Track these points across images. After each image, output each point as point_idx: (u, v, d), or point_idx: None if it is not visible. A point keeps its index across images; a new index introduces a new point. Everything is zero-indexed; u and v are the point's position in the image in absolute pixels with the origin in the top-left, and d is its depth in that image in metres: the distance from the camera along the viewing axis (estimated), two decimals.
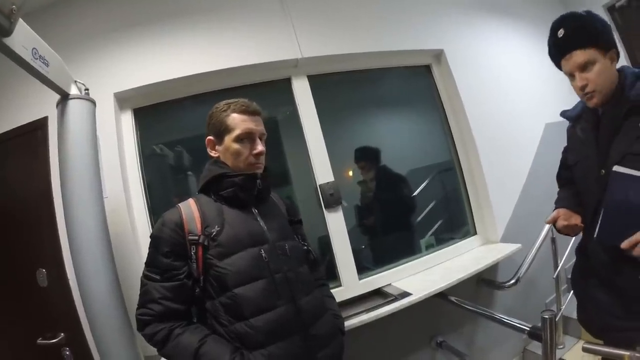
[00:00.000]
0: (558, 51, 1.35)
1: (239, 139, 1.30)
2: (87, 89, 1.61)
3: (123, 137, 2.05)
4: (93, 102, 1.61)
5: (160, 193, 2.15)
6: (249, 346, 1.14)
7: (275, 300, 1.20)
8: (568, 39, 1.30)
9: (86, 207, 1.47)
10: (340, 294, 2.08)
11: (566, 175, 1.63)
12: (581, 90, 1.30)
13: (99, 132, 1.65)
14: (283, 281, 1.24)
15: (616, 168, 1.21)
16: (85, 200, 1.47)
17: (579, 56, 1.28)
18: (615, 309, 1.33)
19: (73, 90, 1.54)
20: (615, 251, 1.24)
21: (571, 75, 1.33)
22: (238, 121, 1.30)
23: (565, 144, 1.62)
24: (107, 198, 1.60)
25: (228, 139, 1.31)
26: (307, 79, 2.30)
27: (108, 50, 2.04)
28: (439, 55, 2.68)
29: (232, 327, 1.16)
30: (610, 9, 3.48)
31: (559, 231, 1.50)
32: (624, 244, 1.18)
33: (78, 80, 1.58)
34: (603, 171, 1.29)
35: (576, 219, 1.46)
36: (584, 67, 1.28)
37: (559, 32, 1.31)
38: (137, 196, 2.01)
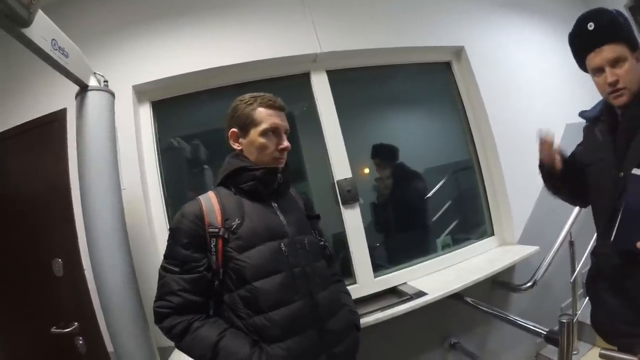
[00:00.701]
0: (586, 44, 1.31)
1: (265, 133, 1.29)
2: (106, 81, 1.62)
3: (141, 129, 2.06)
4: (112, 94, 1.62)
5: (177, 186, 2.16)
6: (266, 339, 1.14)
7: (293, 295, 1.20)
8: (599, 32, 1.26)
9: (104, 199, 1.48)
10: (355, 291, 2.06)
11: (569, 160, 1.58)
12: (611, 86, 1.26)
13: (117, 124, 1.66)
14: (301, 275, 1.23)
15: (635, 171, 1.19)
16: (103, 192, 1.48)
17: (611, 51, 1.24)
18: (625, 314, 1.31)
19: (92, 82, 1.55)
20: (630, 256, 1.22)
21: (599, 71, 1.29)
22: (265, 115, 1.30)
23: None
24: (124, 190, 1.60)
25: (254, 133, 1.30)
26: (325, 74, 2.29)
27: (127, 43, 2.06)
28: (459, 52, 2.64)
29: (250, 320, 1.16)
30: (632, 9, 3.40)
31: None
32: None
33: (97, 72, 1.58)
34: (621, 174, 1.26)
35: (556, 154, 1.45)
36: (615, 62, 1.24)
37: (589, 25, 1.27)
38: (154, 188, 2.03)
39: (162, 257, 1.80)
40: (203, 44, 2.10)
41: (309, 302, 1.22)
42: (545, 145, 1.46)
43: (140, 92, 2.09)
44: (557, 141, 1.45)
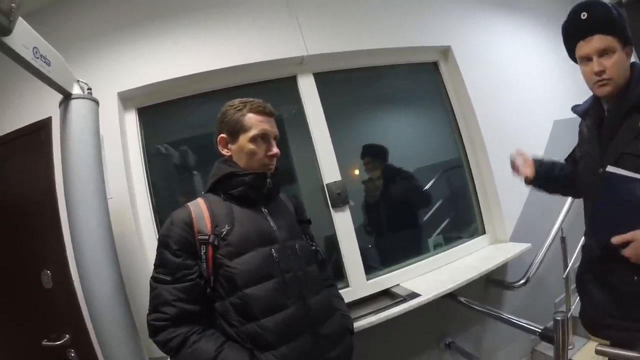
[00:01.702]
0: (577, 33, 1.32)
1: (254, 139, 1.29)
2: (89, 89, 1.59)
3: (127, 136, 2.03)
4: (96, 102, 1.59)
5: (165, 193, 2.14)
6: (260, 347, 1.13)
7: (286, 300, 1.19)
8: (592, 22, 1.28)
9: (89, 208, 1.45)
10: (348, 294, 2.05)
11: (569, 160, 1.62)
12: (596, 75, 1.27)
13: (103, 132, 1.64)
14: (293, 281, 1.23)
15: (609, 168, 1.22)
16: (89, 201, 1.45)
17: (601, 41, 1.26)
18: (609, 307, 1.32)
19: (75, 90, 1.52)
20: (609, 249, 1.25)
21: (587, 60, 1.30)
22: (254, 121, 1.30)
23: (573, 141, 1.61)
24: (111, 198, 1.58)
25: (243, 139, 1.29)
26: (312, 76, 2.28)
27: (111, 50, 2.02)
28: (446, 51, 2.64)
29: (242, 327, 1.14)
30: (618, 4, 3.43)
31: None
32: (615, 239, 1.20)
33: (81, 80, 1.56)
34: (601, 170, 1.28)
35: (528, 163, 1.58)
36: (603, 52, 1.26)
37: (582, 15, 1.29)
38: (141, 196, 2.00)
39: (151, 266, 1.80)
40: (188, 49, 2.07)
41: (302, 307, 1.21)
42: (519, 160, 1.58)
43: (126, 99, 2.06)
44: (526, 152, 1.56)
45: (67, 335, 1.87)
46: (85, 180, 1.46)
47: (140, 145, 2.07)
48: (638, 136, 1.20)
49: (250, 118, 1.29)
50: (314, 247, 1.46)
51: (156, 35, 2.07)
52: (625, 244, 1.18)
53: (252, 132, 1.28)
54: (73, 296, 1.81)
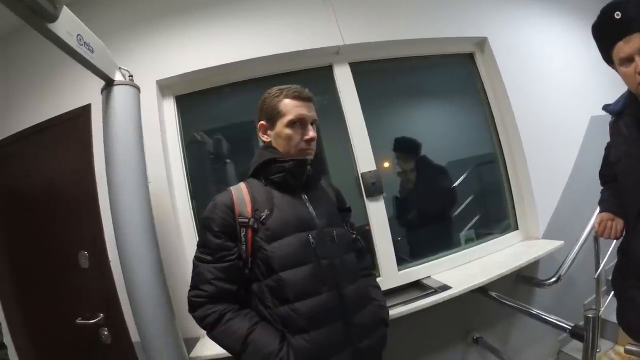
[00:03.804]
0: (613, 34, 1.28)
1: (291, 124, 1.30)
2: (131, 76, 1.64)
3: (165, 123, 2.09)
4: (138, 89, 1.64)
5: (200, 179, 2.18)
6: (292, 330, 1.15)
7: (320, 286, 1.20)
8: (628, 21, 1.23)
9: (132, 191, 1.51)
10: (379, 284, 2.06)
11: (609, 172, 1.59)
12: None
13: (143, 119, 1.67)
14: (329, 268, 1.23)
15: None
16: (131, 185, 1.51)
17: None
18: None
19: (118, 77, 1.57)
20: None
21: (628, 61, 1.26)
22: (291, 107, 1.31)
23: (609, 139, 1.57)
24: (150, 183, 1.62)
25: (280, 124, 1.31)
26: (349, 66, 2.28)
27: (150, 38, 2.08)
28: (482, 43, 2.60)
29: (276, 310, 1.17)
30: None
31: (601, 235, 1.51)
32: None
33: (122, 67, 1.60)
34: None
35: (619, 223, 1.47)
36: None
37: (616, 14, 1.25)
38: (179, 182, 2.05)
39: (187, 249, 1.86)
40: (225, 38, 2.11)
41: (336, 295, 1.22)
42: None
43: (164, 87, 2.11)
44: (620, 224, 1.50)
45: (101, 315, 1.94)
46: (127, 164, 1.51)
47: (179, 133, 2.12)
48: None
49: (287, 104, 1.31)
50: (354, 236, 1.47)
51: (195, 24, 2.12)
52: None
53: (289, 117, 1.30)
54: (109, 277, 1.88)
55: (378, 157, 2.28)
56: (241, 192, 1.28)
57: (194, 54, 2.07)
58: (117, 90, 1.55)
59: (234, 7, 2.15)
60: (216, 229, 1.22)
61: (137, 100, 1.62)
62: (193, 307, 1.21)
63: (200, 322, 1.20)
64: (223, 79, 2.17)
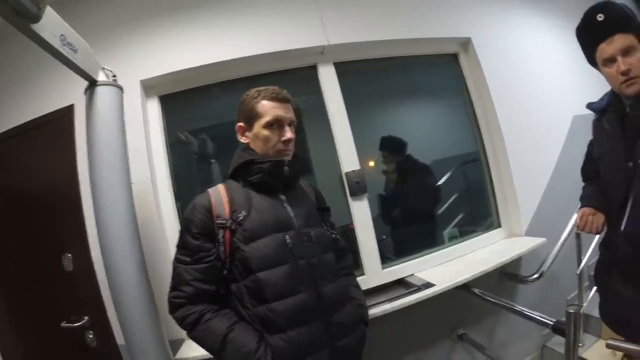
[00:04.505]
0: (596, 35, 1.32)
1: (268, 125, 1.31)
2: (114, 76, 1.63)
3: (149, 123, 2.07)
4: (121, 89, 1.63)
5: (185, 180, 2.17)
6: (270, 330, 1.17)
7: (298, 286, 1.22)
8: (610, 23, 1.27)
9: (115, 193, 1.49)
10: (363, 282, 2.05)
11: (591, 169, 1.63)
12: (624, 74, 1.27)
13: (126, 119, 1.66)
14: (306, 267, 1.25)
15: None
16: (114, 186, 1.50)
17: (623, 40, 1.26)
18: (638, 305, 1.33)
19: (101, 77, 1.56)
20: None
21: (610, 61, 1.30)
22: (268, 108, 1.32)
23: (592, 137, 1.61)
24: (133, 184, 1.61)
25: (257, 125, 1.32)
26: (333, 66, 2.28)
27: (134, 38, 2.06)
28: (466, 43, 2.62)
29: (254, 310, 1.19)
30: (637, 1, 3.41)
31: (582, 230, 1.54)
32: None
33: (106, 67, 1.59)
34: (630, 164, 1.29)
35: (599, 217, 1.50)
36: (627, 51, 1.26)
37: (599, 16, 1.29)
38: (163, 182, 2.04)
39: (172, 250, 1.84)
40: (209, 37, 2.10)
41: (314, 294, 1.24)
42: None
43: (148, 86, 2.10)
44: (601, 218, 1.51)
45: (86, 317, 1.92)
46: (110, 165, 1.50)
47: (163, 133, 2.11)
48: None
49: (264, 105, 1.32)
50: (333, 235, 1.49)
51: (179, 23, 2.10)
52: None
53: (266, 119, 1.31)
54: (93, 279, 1.87)
55: (363, 156, 2.29)
56: (219, 194, 1.30)
57: (178, 53, 2.06)
58: (99, 91, 1.53)
59: (218, 6, 2.14)
60: (194, 230, 1.24)
61: (119, 101, 1.60)
62: (173, 308, 1.23)
63: (180, 322, 1.22)
64: (207, 79, 2.16)
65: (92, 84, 1.53)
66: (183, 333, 1.83)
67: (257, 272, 1.19)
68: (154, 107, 2.11)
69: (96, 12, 2.07)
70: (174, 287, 1.23)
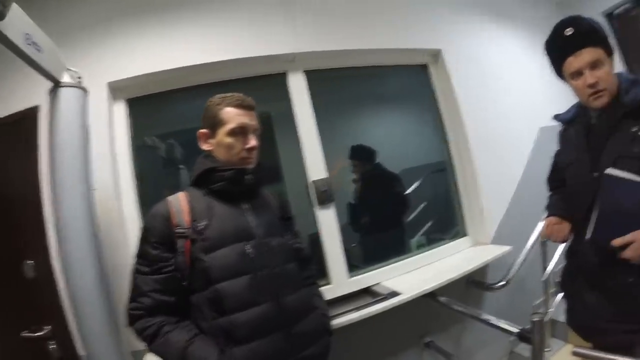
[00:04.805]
0: (564, 49, 1.34)
1: (232, 133, 1.29)
2: (79, 77, 1.58)
3: (115, 127, 2.01)
4: (85, 91, 1.58)
5: (151, 186, 2.11)
6: (230, 341, 1.14)
7: (259, 297, 1.20)
8: (578, 36, 1.30)
9: (74, 198, 1.43)
10: (329, 292, 2.07)
11: (557, 178, 1.66)
12: (591, 87, 1.29)
13: (91, 122, 1.62)
14: (267, 278, 1.23)
15: (609, 171, 1.24)
16: (73, 191, 1.44)
17: (591, 53, 1.28)
18: (604, 311, 1.35)
19: (65, 78, 1.51)
20: (607, 253, 1.27)
21: (578, 74, 1.32)
22: (232, 115, 1.30)
23: (558, 148, 1.64)
24: (96, 190, 1.57)
25: (221, 133, 1.30)
26: (303, 73, 2.28)
27: (103, 39, 2.00)
28: (436, 55, 2.67)
29: (215, 322, 1.16)
30: (609, 16, 3.52)
31: (548, 238, 1.55)
32: (616, 241, 1.21)
33: (71, 68, 1.55)
34: (595, 174, 1.31)
35: (565, 226, 1.52)
36: (594, 65, 1.28)
37: (567, 31, 1.31)
38: (127, 188, 1.98)
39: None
40: (180, 41, 2.07)
41: (275, 305, 1.22)
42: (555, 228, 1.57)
43: (116, 89, 2.04)
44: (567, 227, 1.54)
45: (48, 327, 1.85)
46: (70, 170, 1.45)
47: (128, 137, 2.05)
48: (633, 139, 1.23)
49: (228, 112, 1.31)
50: (297, 245, 1.47)
51: (149, 26, 2.06)
52: (625, 245, 1.20)
53: (230, 126, 1.29)
54: (55, 287, 1.79)
55: (332, 165, 2.30)
56: (179, 202, 1.27)
57: (147, 56, 2.02)
58: (63, 92, 1.48)
59: (188, 11, 2.11)
60: (153, 239, 1.20)
61: (83, 103, 1.55)
62: (131, 320, 1.18)
63: (139, 334, 1.17)
64: (176, 83, 2.13)
65: (56, 85, 1.48)
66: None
67: (217, 283, 1.16)
68: (121, 111, 2.06)
69: (67, 11, 2.00)
70: (132, 298, 1.19)
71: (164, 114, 2.23)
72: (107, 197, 1.85)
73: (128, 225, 1.94)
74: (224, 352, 1.13)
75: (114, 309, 1.50)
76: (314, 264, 1.61)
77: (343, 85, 2.59)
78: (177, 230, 1.20)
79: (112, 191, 1.88)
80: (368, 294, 2.22)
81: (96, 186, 1.65)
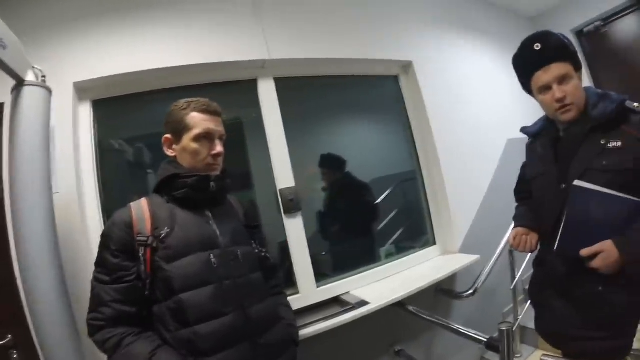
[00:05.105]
0: (533, 64, 1.36)
1: (197, 139, 1.27)
2: (44, 76, 1.52)
3: (80, 129, 1.94)
4: (49, 90, 1.51)
5: (117, 190, 2.05)
6: (194, 353, 1.11)
7: (223, 307, 1.17)
8: (547, 51, 1.32)
9: (33, 201, 1.37)
10: (297, 301, 2.04)
11: (524, 189, 1.69)
12: (559, 102, 1.31)
13: (55, 123, 1.57)
14: (232, 288, 1.21)
15: (577, 182, 1.27)
16: (32, 194, 1.37)
17: (559, 68, 1.30)
18: (573, 320, 1.38)
19: (29, 77, 1.45)
20: (575, 263, 1.30)
21: (546, 89, 1.34)
22: (198, 120, 1.28)
23: (524, 159, 1.67)
24: (57, 193, 1.51)
25: (187, 138, 1.28)
26: (273, 81, 2.27)
27: (71, 38, 1.94)
28: (407, 66, 2.72)
29: (177, 333, 1.13)
30: (579, 34, 3.68)
31: (516, 249, 1.58)
32: (584, 251, 1.24)
33: (36, 67, 1.50)
34: (563, 185, 1.34)
35: (533, 237, 1.55)
36: (562, 79, 1.31)
37: (536, 46, 1.33)
38: (90, 192, 1.90)
39: None
40: (150, 43, 2.02)
41: (240, 316, 1.20)
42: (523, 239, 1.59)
43: (82, 90, 1.97)
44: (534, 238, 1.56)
45: (9, 336, 1.76)
46: (30, 172, 1.38)
47: (93, 139, 1.98)
48: (601, 153, 1.26)
49: (194, 117, 1.28)
50: (263, 254, 1.45)
51: (118, 27, 2.01)
52: (593, 256, 1.23)
53: (195, 131, 1.27)
54: (16, 294, 1.70)
55: (302, 173, 2.29)
56: (141, 209, 1.24)
57: (116, 57, 1.96)
58: (26, 91, 1.42)
59: (159, 12, 2.08)
60: (113, 247, 1.17)
61: (46, 103, 1.49)
62: (92, 331, 1.15)
63: (100, 346, 1.14)
64: (145, 85, 2.07)
65: (20, 83, 1.42)
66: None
67: (180, 293, 1.13)
68: (87, 112, 1.98)
69: (35, 9, 1.91)
70: (93, 308, 1.16)
71: (132, 117, 2.16)
72: (70, 201, 1.77)
73: (91, 230, 1.86)
74: None
75: (73, 318, 1.41)
76: (280, 273, 1.61)
77: (314, 94, 2.59)
78: (138, 238, 1.18)
79: (75, 195, 1.80)
80: (337, 303, 2.20)
81: (58, 190, 1.60)
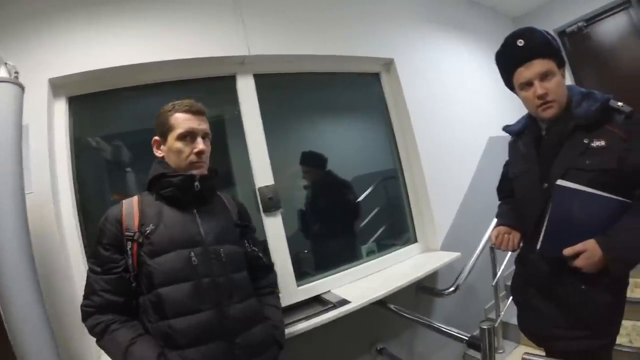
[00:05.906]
0: (515, 60, 1.35)
1: (180, 137, 1.33)
2: (17, 72, 1.48)
3: (55, 126, 1.88)
4: (21, 87, 1.47)
5: (93, 189, 2.01)
6: (169, 345, 1.18)
7: (199, 305, 1.22)
8: (529, 47, 1.32)
9: (3, 202, 1.32)
10: None
11: (506, 187, 1.70)
12: (540, 98, 1.31)
13: (29, 121, 1.55)
14: (211, 286, 1.25)
15: (560, 182, 1.26)
16: (3, 195, 1.32)
17: (541, 65, 1.30)
18: (556, 319, 1.38)
19: (2, 73, 1.42)
20: (557, 262, 1.31)
21: (528, 85, 1.34)
22: (181, 120, 1.34)
23: (506, 156, 1.68)
24: (31, 193, 1.48)
25: (171, 138, 1.34)
26: (253, 77, 2.24)
27: (45, 33, 1.87)
28: (389, 64, 2.72)
29: (156, 324, 1.20)
30: (561, 34, 3.73)
31: (498, 248, 1.58)
32: (567, 250, 1.24)
33: (8, 62, 1.45)
34: (546, 185, 1.34)
35: (515, 235, 1.55)
36: (544, 76, 1.30)
37: (519, 42, 1.32)
38: (65, 192, 1.85)
39: (73, 268, 1.72)
40: (127, 38, 1.97)
41: (217, 314, 1.23)
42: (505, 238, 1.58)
43: (57, 86, 1.91)
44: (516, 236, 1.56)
45: None
46: (1, 171, 1.35)
47: (68, 137, 1.92)
48: (584, 152, 1.26)
49: (177, 117, 1.34)
50: (255, 253, 1.50)
51: (95, 21, 1.95)
52: (576, 255, 1.23)
53: (178, 131, 1.32)
54: None
55: (282, 171, 2.27)
56: (131, 206, 1.31)
57: (92, 52, 1.91)
58: None
59: (137, 6, 2.03)
60: (104, 241, 1.26)
61: (18, 100, 1.44)
62: (84, 316, 1.24)
63: (90, 331, 1.23)
64: (123, 81, 2.03)
65: None
66: (90, 357, 1.69)
67: (159, 288, 1.20)
68: (62, 109, 1.92)
69: (7, 2, 1.87)
70: (85, 296, 1.24)
71: (109, 114, 2.11)
72: (44, 201, 1.72)
73: (65, 229, 1.81)
74: (164, 355, 1.16)
75: (46, 320, 1.37)
76: (273, 273, 1.64)
77: (294, 91, 2.57)
78: (126, 233, 1.26)
79: (50, 195, 1.75)
80: (318, 302, 2.19)
81: (32, 189, 1.56)
